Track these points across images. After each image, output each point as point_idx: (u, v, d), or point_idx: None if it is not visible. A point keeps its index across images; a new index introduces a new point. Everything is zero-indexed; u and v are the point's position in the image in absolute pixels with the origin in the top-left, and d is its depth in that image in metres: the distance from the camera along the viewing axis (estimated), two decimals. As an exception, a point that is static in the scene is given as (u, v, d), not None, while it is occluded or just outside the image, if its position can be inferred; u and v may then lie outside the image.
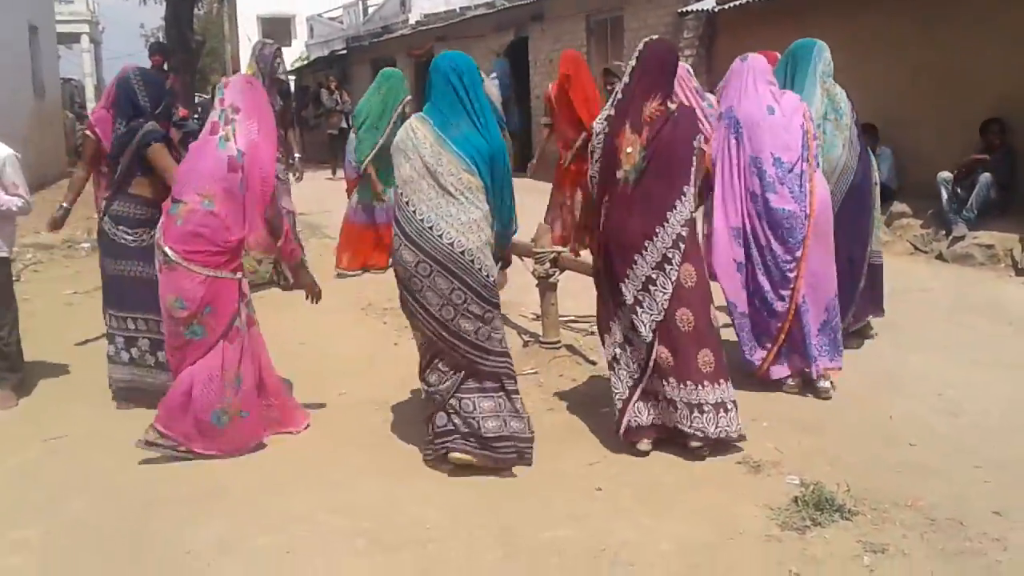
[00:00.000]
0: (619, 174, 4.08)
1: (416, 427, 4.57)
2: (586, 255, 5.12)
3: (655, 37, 4.35)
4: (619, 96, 4.17)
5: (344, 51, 25.91)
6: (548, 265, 5.65)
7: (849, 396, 4.78)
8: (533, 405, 4.79)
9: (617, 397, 4.18)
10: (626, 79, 4.18)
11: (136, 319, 4.87)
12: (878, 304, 5.71)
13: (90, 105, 27.86)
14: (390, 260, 4.11)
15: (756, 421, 4.46)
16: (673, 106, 4.13)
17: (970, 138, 8.28)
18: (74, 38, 31.05)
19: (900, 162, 9.06)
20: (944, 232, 8.24)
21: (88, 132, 5.79)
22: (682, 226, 4.04)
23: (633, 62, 4.17)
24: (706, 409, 4.04)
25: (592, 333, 5.99)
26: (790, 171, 4.72)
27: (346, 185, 8.83)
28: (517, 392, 4.04)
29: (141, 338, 4.88)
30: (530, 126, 15.81)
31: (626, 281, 4.07)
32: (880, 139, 8.81)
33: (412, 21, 22.66)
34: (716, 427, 4.04)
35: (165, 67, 10.38)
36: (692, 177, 4.10)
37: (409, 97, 8.35)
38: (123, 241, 4.83)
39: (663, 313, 4.04)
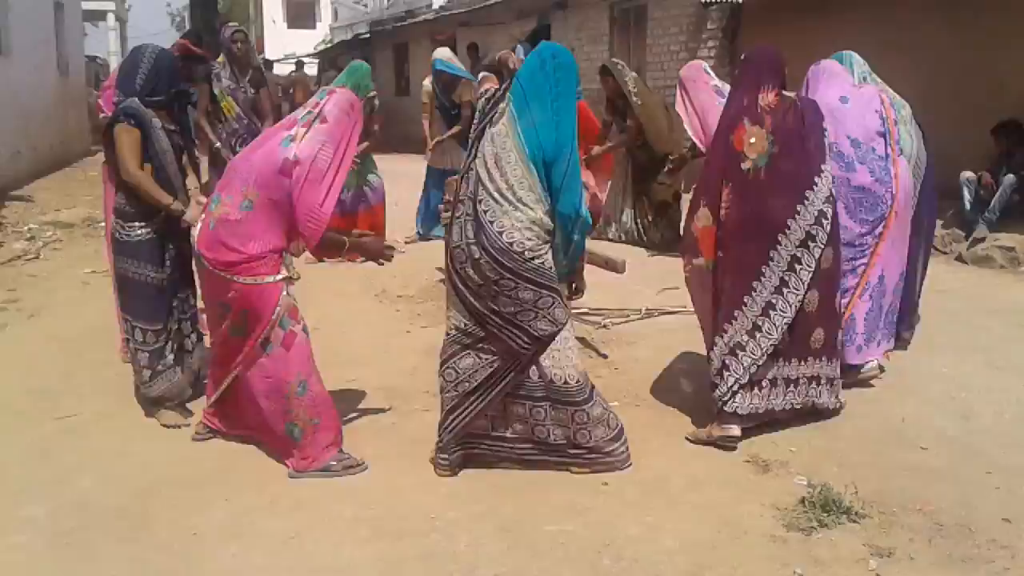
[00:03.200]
0: (744, 165, 4.12)
1: (425, 416, 4.58)
2: (603, 247, 5.09)
3: (757, 45, 4.62)
4: (726, 101, 4.40)
5: (367, 35, 25.91)
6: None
7: (860, 397, 4.74)
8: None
9: (732, 381, 4.13)
10: (732, 85, 4.42)
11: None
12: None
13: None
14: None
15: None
16: (791, 95, 4.30)
17: (992, 137, 8.19)
18: (100, 16, 31.10)
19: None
20: (964, 233, 8.15)
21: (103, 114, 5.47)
22: (823, 203, 4.13)
23: (739, 68, 4.44)
24: (800, 383, 4.27)
25: (605, 327, 5.99)
26: (873, 152, 4.85)
27: None
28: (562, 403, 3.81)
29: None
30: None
31: (770, 263, 4.10)
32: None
33: (436, 6, 22.63)
34: (807, 395, 4.28)
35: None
36: (827, 155, 4.24)
37: (373, 92, 8.25)
38: (126, 238, 4.43)
39: (803, 292, 4.13)
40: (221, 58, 7.50)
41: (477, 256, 3.63)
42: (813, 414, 4.38)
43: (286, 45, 34.79)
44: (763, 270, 4.10)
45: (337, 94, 4.03)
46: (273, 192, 3.80)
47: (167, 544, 3.40)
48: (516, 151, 3.62)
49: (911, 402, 4.65)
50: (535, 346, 3.71)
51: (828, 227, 4.14)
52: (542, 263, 3.64)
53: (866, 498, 3.61)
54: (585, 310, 6.20)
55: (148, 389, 4.51)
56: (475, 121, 3.88)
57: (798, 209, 4.09)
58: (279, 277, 3.89)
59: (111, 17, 31.04)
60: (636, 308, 6.38)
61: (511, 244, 3.58)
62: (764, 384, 4.19)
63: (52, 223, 10.11)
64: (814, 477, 3.80)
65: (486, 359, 3.76)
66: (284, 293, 3.89)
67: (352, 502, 3.68)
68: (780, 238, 4.09)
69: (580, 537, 3.39)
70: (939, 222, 8.48)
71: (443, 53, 9.26)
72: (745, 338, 4.13)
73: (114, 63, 29.02)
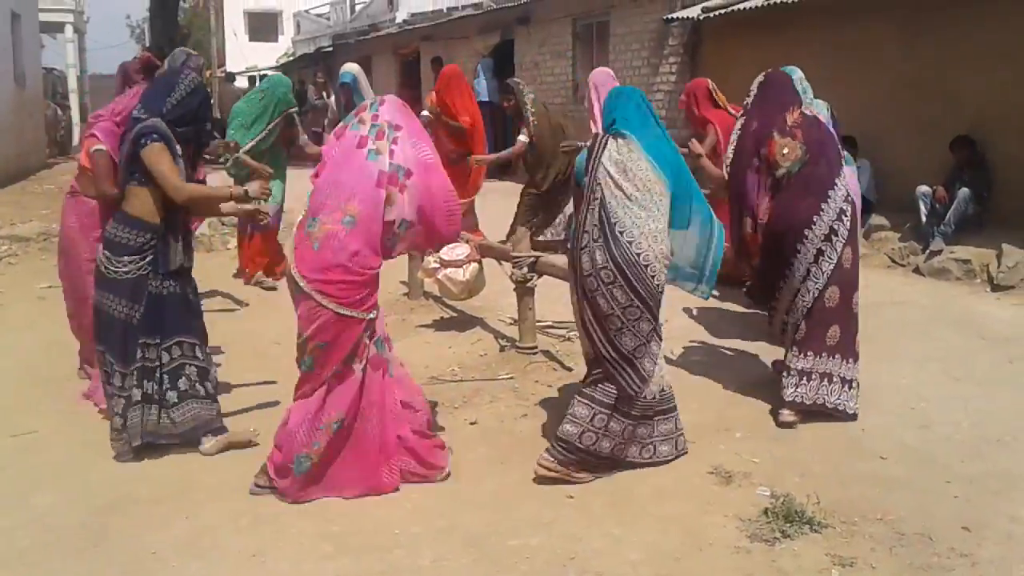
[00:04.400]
0: (779, 173, 4.65)
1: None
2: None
3: (770, 70, 5.01)
4: (746, 120, 4.86)
5: (330, 48, 25.83)
6: (526, 270, 5.64)
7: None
8: (507, 410, 4.79)
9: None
10: (748, 105, 4.89)
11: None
12: None
13: (72, 96, 27.48)
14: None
15: (728, 431, 4.48)
16: (811, 112, 4.81)
17: (949, 152, 8.33)
18: (58, 27, 30.61)
19: (879, 175, 9.09)
20: (921, 246, 8.28)
21: (100, 146, 4.67)
22: (843, 201, 4.58)
23: (755, 90, 4.90)
24: (813, 378, 4.57)
25: (569, 339, 6.00)
26: None
27: None
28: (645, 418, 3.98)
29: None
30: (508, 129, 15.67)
31: (798, 256, 4.56)
32: (859, 151, 8.83)
33: (399, 20, 22.63)
34: (817, 394, 4.56)
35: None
36: (843, 162, 4.78)
37: (295, 109, 8.00)
38: (112, 274, 4.10)
39: (825, 284, 4.55)
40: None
41: (608, 280, 3.81)
42: (823, 415, 4.56)
43: (247, 58, 34.61)
44: (792, 261, 4.59)
45: (388, 101, 4.00)
46: (370, 207, 3.74)
47: (126, 562, 3.34)
48: (644, 160, 3.92)
49: (871, 412, 4.70)
50: (644, 387, 3.89)
51: (848, 223, 4.57)
52: (659, 284, 3.88)
53: (828, 508, 3.64)
54: (549, 323, 6.21)
55: (120, 438, 4.20)
56: (587, 168, 4.02)
57: (822, 207, 4.56)
58: (369, 316, 3.81)
59: (69, 29, 30.56)
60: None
61: (639, 255, 3.80)
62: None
63: (7, 237, 9.93)
64: (776, 488, 3.83)
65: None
66: (363, 332, 3.80)
67: (315, 518, 3.65)
68: (807, 232, 4.55)
69: (545, 550, 3.38)
70: (897, 235, 8.65)
71: (353, 68, 8.56)
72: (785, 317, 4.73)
73: (72, 75, 28.70)
